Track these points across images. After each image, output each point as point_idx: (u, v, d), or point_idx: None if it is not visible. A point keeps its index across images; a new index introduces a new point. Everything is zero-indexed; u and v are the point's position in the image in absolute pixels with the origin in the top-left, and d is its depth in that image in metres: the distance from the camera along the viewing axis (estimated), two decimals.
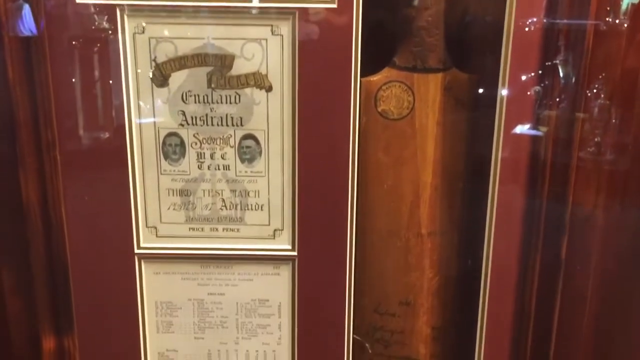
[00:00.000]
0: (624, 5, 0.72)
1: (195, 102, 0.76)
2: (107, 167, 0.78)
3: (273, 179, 0.79)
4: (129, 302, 0.82)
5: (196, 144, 0.78)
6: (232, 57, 0.75)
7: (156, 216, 0.80)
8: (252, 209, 0.80)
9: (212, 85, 0.76)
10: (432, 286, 0.86)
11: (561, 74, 0.74)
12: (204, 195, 0.80)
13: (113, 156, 0.78)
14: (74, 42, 0.75)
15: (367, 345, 0.87)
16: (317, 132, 0.77)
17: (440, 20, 0.79)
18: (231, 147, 0.78)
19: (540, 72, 0.75)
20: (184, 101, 0.76)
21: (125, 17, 0.73)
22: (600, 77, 0.73)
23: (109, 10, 0.73)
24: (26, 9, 0.73)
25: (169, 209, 0.80)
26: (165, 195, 0.80)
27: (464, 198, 0.85)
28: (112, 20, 0.73)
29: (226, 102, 0.76)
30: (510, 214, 0.79)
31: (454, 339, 0.90)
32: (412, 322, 0.87)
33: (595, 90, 0.74)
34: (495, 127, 0.76)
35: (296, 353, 0.84)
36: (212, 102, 0.76)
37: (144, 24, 0.74)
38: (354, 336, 0.83)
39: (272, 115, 0.77)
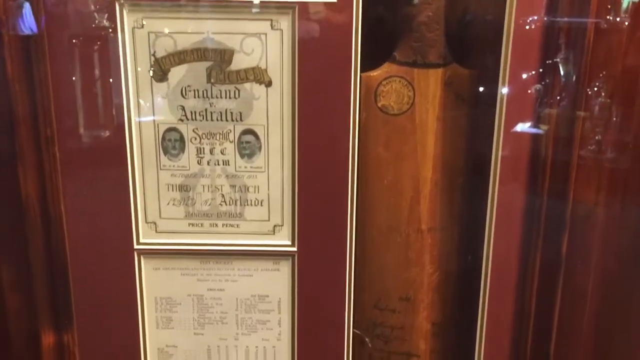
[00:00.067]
0: (624, 3, 0.72)
1: (195, 97, 0.76)
2: (106, 162, 0.78)
3: (273, 175, 0.79)
4: (128, 298, 0.82)
5: (196, 139, 0.78)
6: (231, 52, 0.75)
7: (156, 212, 0.80)
8: (251, 205, 0.80)
9: (212, 80, 0.76)
10: (432, 282, 0.86)
11: (562, 72, 0.74)
12: (203, 190, 0.80)
13: (112, 152, 0.78)
14: (73, 38, 0.74)
15: (366, 339, 0.87)
16: (317, 127, 0.77)
17: (441, 16, 0.79)
18: (231, 142, 0.78)
19: (540, 70, 0.75)
20: (183, 96, 0.76)
21: (125, 11, 0.73)
22: (600, 75, 0.73)
23: (109, 5, 0.73)
24: (26, 7, 0.73)
25: (168, 204, 0.80)
26: (164, 190, 0.79)
27: (464, 193, 0.85)
28: (112, 15, 0.73)
29: (226, 97, 0.76)
30: (510, 213, 0.79)
31: (454, 335, 0.90)
32: (412, 317, 0.87)
33: (595, 89, 0.74)
34: (496, 125, 0.76)
35: (296, 349, 0.84)
36: (212, 97, 0.76)
37: (143, 19, 0.74)
38: (354, 330, 0.83)
39: (272, 110, 0.77)
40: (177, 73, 0.75)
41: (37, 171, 0.77)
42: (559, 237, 0.79)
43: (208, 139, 0.78)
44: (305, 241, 0.81)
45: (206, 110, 0.77)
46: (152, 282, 0.82)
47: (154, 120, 0.77)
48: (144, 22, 0.74)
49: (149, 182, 0.79)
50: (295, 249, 0.81)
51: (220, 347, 0.85)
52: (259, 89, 0.76)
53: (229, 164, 0.79)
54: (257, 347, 0.85)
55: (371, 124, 0.81)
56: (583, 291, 0.80)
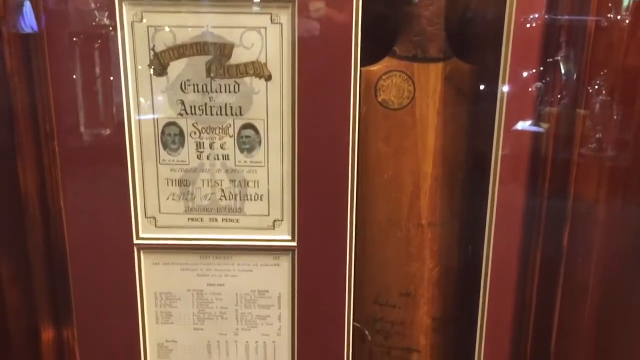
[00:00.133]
0: (625, 2, 0.72)
1: (194, 92, 0.76)
2: (106, 157, 0.78)
3: (272, 169, 0.79)
4: (128, 293, 0.82)
5: (195, 133, 0.78)
6: (231, 46, 0.74)
7: (155, 206, 0.80)
8: (251, 199, 0.80)
9: (211, 74, 0.75)
10: (433, 277, 0.86)
11: (562, 70, 0.74)
12: (203, 185, 0.79)
13: (111, 146, 0.78)
14: (72, 33, 0.74)
15: (366, 332, 0.87)
16: (317, 121, 0.77)
17: (441, 10, 0.78)
18: (230, 136, 0.78)
19: (541, 68, 0.75)
20: (182, 90, 0.76)
21: (124, 5, 0.73)
22: (601, 73, 0.73)
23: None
24: (27, 5, 0.72)
25: (168, 199, 0.80)
26: (164, 185, 0.79)
27: (464, 188, 0.84)
28: (111, 9, 0.73)
29: (225, 92, 0.76)
30: (511, 211, 0.79)
31: (455, 330, 0.89)
32: (412, 313, 0.87)
33: (596, 87, 0.73)
34: (496, 123, 0.76)
35: (296, 344, 0.84)
36: (211, 92, 0.76)
37: (142, 13, 0.73)
38: (354, 323, 0.83)
39: (272, 104, 0.76)
40: (176, 67, 0.75)
41: (36, 166, 0.77)
42: (559, 235, 0.79)
43: (208, 133, 0.77)
44: (305, 236, 0.80)
45: (206, 104, 0.76)
46: (151, 277, 0.82)
47: (153, 115, 0.77)
48: (144, 16, 0.73)
49: (148, 177, 0.79)
50: (295, 243, 0.81)
51: (220, 342, 0.85)
52: (258, 83, 0.76)
53: (228, 159, 0.78)
54: (257, 342, 0.85)
55: (371, 119, 0.81)
56: (584, 288, 0.80)
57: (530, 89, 0.75)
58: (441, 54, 0.79)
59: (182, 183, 0.79)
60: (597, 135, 0.75)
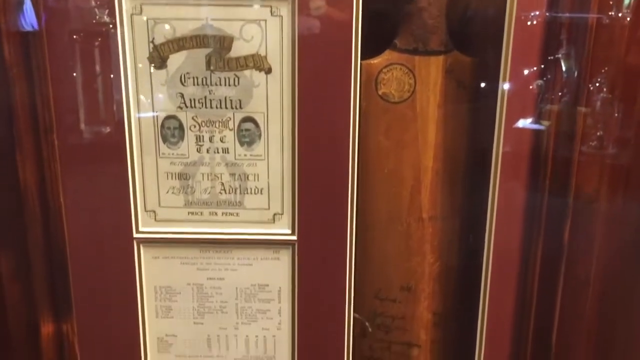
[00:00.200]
0: None
1: (194, 85, 0.76)
2: (105, 151, 0.78)
3: (273, 163, 0.78)
4: (127, 287, 0.82)
5: (195, 127, 0.77)
6: (231, 39, 0.74)
7: (155, 200, 0.80)
8: (251, 193, 0.79)
9: (211, 67, 0.75)
10: (434, 271, 0.86)
11: (563, 68, 0.74)
12: (203, 179, 0.79)
13: (111, 140, 0.77)
14: (71, 25, 0.74)
15: (367, 324, 0.87)
16: (317, 115, 0.76)
17: (442, 2, 0.78)
18: (230, 130, 0.77)
19: (542, 66, 0.74)
20: (182, 83, 0.76)
21: None
22: (602, 71, 0.73)
23: None
24: (27, 3, 0.72)
25: (167, 192, 0.80)
26: (164, 179, 0.79)
27: (465, 182, 0.84)
28: (110, 1, 0.72)
29: (225, 85, 0.76)
30: (511, 209, 0.79)
31: (455, 325, 0.89)
32: (413, 307, 0.87)
33: (597, 84, 0.73)
34: (497, 121, 0.76)
35: (296, 338, 0.84)
36: (211, 85, 0.76)
37: (142, 5, 0.73)
38: (354, 315, 0.83)
39: (272, 97, 0.76)
40: (176, 60, 0.75)
41: (35, 160, 0.77)
42: (560, 232, 0.78)
43: (207, 126, 0.77)
44: (306, 230, 0.80)
45: (205, 97, 0.76)
46: (151, 271, 0.82)
47: (152, 108, 0.76)
48: (143, 9, 0.73)
49: (148, 171, 0.79)
50: (295, 237, 0.80)
51: (220, 337, 0.85)
52: (258, 76, 0.75)
53: (228, 152, 0.78)
54: (257, 336, 0.85)
55: (372, 112, 0.80)
56: (585, 284, 0.80)
57: (531, 87, 0.75)
58: (442, 47, 0.79)
59: (182, 177, 0.79)
60: (598, 133, 0.75)
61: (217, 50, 0.74)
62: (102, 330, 0.83)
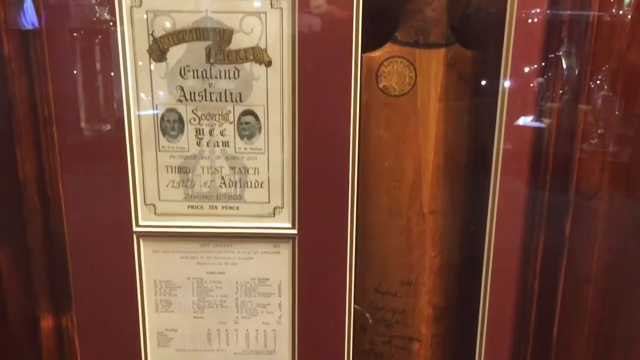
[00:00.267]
0: None
1: (194, 78, 0.75)
2: (105, 144, 0.78)
3: (273, 156, 0.78)
4: (127, 281, 0.82)
5: (195, 120, 0.77)
6: (230, 31, 0.74)
7: (155, 194, 0.80)
8: (251, 187, 0.79)
9: (211, 60, 0.75)
10: (434, 265, 0.85)
11: (564, 66, 0.73)
12: (203, 172, 0.79)
13: (110, 133, 0.77)
14: (70, 17, 0.74)
15: (367, 315, 0.87)
16: (318, 108, 0.76)
17: None
18: (230, 123, 0.77)
19: (543, 63, 0.74)
20: (182, 76, 0.75)
21: None
22: (603, 68, 0.73)
23: None
24: (27, 2, 0.72)
25: (167, 186, 0.79)
26: (163, 172, 0.79)
27: (466, 176, 0.84)
28: None
29: (225, 77, 0.75)
30: (512, 207, 0.79)
31: (456, 319, 0.89)
32: (413, 301, 0.86)
33: (598, 82, 0.73)
34: (498, 118, 0.76)
35: (296, 332, 0.84)
36: (211, 77, 0.75)
37: None
38: (355, 306, 0.82)
39: (272, 90, 0.76)
40: (175, 53, 0.75)
41: (34, 152, 0.76)
42: (561, 230, 0.78)
43: (207, 119, 0.77)
44: (306, 224, 0.80)
45: (205, 90, 0.76)
46: (151, 265, 0.82)
47: (152, 101, 0.76)
48: (142, 1, 0.73)
49: (147, 164, 0.78)
50: (295, 231, 0.80)
51: (220, 331, 0.85)
52: (258, 69, 0.75)
53: (228, 145, 0.78)
54: (257, 330, 0.85)
55: (372, 106, 0.80)
56: (586, 278, 0.80)
57: (532, 85, 0.75)
58: (443, 39, 0.79)
59: (181, 170, 0.79)
60: (599, 131, 0.75)
61: (217, 43, 0.74)
62: (101, 324, 0.83)
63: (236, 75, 0.75)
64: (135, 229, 0.80)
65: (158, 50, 0.74)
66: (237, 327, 0.85)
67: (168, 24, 0.73)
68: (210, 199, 0.80)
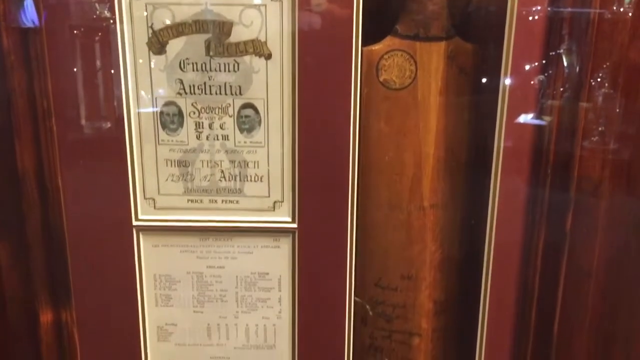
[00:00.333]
0: None
1: (194, 70, 0.75)
2: (104, 137, 0.77)
3: (273, 150, 0.78)
4: (127, 275, 0.81)
5: (194, 113, 0.77)
6: (230, 24, 0.73)
7: (154, 187, 0.79)
8: (251, 180, 0.79)
9: (211, 53, 0.74)
10: (435, 260, 0.85)
11: (565, 63, 0.73)
12: (202, 166, 0.78)
13: (110, 127, 0.77)
14: (69, 11, 0.73)
15: (367, 307, 0.86)
16: (318, 101, 0.76)
17: None
18: (230, 116, 0.77)
19: (544, 61, 0.74)
20: (181, 69, 0.75)
21: None
22: (604, 66, 0.73)
23: None
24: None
25: (167, 180, 0.79)
26: (163, 166, 0.78)
27: (467, 170, 0.84)
28: None
29: (225, 71, 0.75)
30: (513, 204, 0.78)
31: (457, 314, 0.89)
32: (414, 296, 0.86)
33: (599, 80, 0.73)
34: (498, 116, 0.75)
35: (296, 327, 0.84)
36: (211, 70, 0.75)
37: None
38: (355, 298, 0.82)
39: (272, 83, 0.75)
40: (175, 46, 0.74)
41: (33, 145, 0.76)
42: (561, 228, 0.78)
43: (207, 113, 0.77)
44: (306, 218, 0.80)
45: (205, 83, 0.76)
46: (151, 259, 0.82)
47: (152, 94, 0.76)
48: None
49: (147, 158, 0.78)
50: (295, 225, 0.80)
51: (220, 325, 0.84)
52: (258, 62, 0.75)
53: (228, 139, 0.77)
54: (257, 325, 0.84)
55: (372, 99, 0.80)
56: (587, 274, 0.80)
57: (532, 82, 0.75)
58: (443, 33, 0.78)
59: (181, 164, 0.78)
60: (600, 129, 0.75)
61: (217, 36, 0.74)
62: (101, 319, 0.83)
63: (236, 68, 0.75)
64: (134, 223, 0.80)
65: (157, 43, 0.74)
66: (237, 322, 0.84)
67: (167, 17, 0.73)
68: (210, 192, 0.79)
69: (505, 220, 0.79)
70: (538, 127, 0.76)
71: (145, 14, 0.73)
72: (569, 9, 0.73)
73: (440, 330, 0.88)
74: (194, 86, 0.76)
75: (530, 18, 0.73)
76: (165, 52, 0.74)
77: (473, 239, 0.85)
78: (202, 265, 0.82)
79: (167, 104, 0.76)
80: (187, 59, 0.75)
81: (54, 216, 0.79)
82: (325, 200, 0.79)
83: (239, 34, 0.74)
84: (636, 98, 0.74)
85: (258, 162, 0.78)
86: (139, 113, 0.76)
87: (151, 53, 0.75)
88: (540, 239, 0.79)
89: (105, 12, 0.73)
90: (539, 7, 0.73)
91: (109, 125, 0.77)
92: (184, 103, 0.76)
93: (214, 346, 0.85)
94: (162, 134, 0.77)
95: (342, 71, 0.75)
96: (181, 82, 0.75)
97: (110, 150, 0.77)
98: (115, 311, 0.83)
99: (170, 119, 0.77)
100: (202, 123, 0.77)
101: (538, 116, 0.75)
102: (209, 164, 0.78)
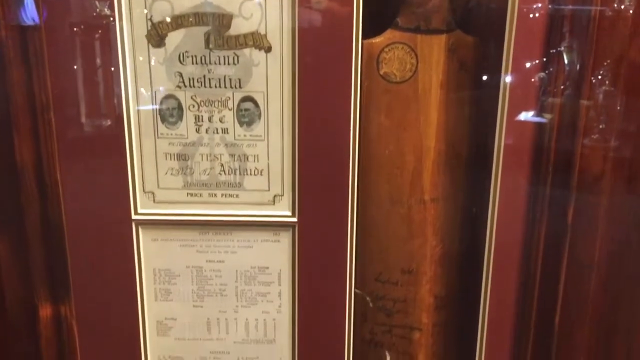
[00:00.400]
0: None
1: (193, 63, 0.75)
2: (103, 131, 0.77)
3: (273, 143, 0.77)
4: (126, 270, 0.81)
5: (194, 106, 0.76)
6: (230, 16, 0.73)
7: (153, 181, 0.79)
8: (251, 174, 0.79)
9: (210, 46, 0.74)
10: (435, 254, 0.85)
11: (566, 61, 0.73)
12: (202, 159, 0.78)
13: (109, 119, 0.76)
14: (68, 4, 0.73)
15: (368, 299, 0.86)
16: (318, 95, 0.75)
17: None
18: (230, 109, 0.76)
19: (544, 58, 0.74)
20: (181, 62, 0.75)
21: None
22: (605, 63, 0.72)
23: None
24: None
25: (166, 174, 0.79)
26: (162, 159, 0.78)
27: (467, 163, 0.83)
28: None
29: (224, 63, 0.75)
30: (514, 202, 0.78)
31: (457, 308, 0.88)
32: (414, 291, 0.86)
33: (600, 77, 0.73)
34: (499, 113, 0.75)
35: (296, 322, 0.83)
36: (210, 63, 0.75)
37: None
38: (355, 290, 0.82)
39: (272, 76, 0.75)
40: (174, 38, 0.74)
41: (32, 138, 0.76)
42: (563, 225, 0.78)
43: (206, 106, 0.76)
44: (306, 212, 0.79)
45: (204, 76, 0.75)
46: (150, 253, 0.81)
47: (151, 87, 0.75)
48: None
49: (146, 151, 0.78)
50: (295, 219, 0.79)
51: (220, 320, 0.84)
52: (258, 55, 0.74)
53: (227, 132, 0.77)
54: (257, 319, 0.84)
55: (373, 92, 0.79)
56: (588, 266, 0.79)
57: (533, 80, 0.75)
58: (444, 25, 0.78)
59: (180, 157, 0.78)
60: (601, 126, 0.74)
61: (216, 28, 0.73)
62: (100, 313, 0.82)
63: (235, 61, 0.74)
64: (134, 217, 0.79)
65: (157, 35, 0.74)
66: (237, 316, 0.84)
67: (167, 9, 0.73)
68: (210, 186, 0.79)
69: (506, 218, 0.79)
70: (539, 125, 0.76)
71: (144, 6, 0.73)
72: (570, 7, 0.73)
73: (441, 325, 0.88)
74: (193, 79, 0.75)
75: (531, 15, 0.73)
76: (164, 45, 0.74)
77: (474, 233, 0.85)
78: (201, 259, 0.82)
79: (167, 97, 0.76)
80: (186, 51, 0.74)
81: (52, 210, 0.79)
82: (326, 194, 0.79)
83: (238, 27, 0.73)
84: (637, 95, 0.74)
85: (258, 155, 0.78)
86: (138, 107, 0.76)
87: (150, 46, 0.74)
88: (541, 237, 0.79)
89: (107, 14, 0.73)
90: (539, 5, 0.72)
91: (107, 119, 0.76)
92: (184, 96, 0.76)
93: (213, 341, 0.85)
94: (162, 128, 0.77)
95: (342, 64, 0.74)
96: (180, 75, 0.75)
97: (109, 144, 0.77)
98: (114, 305, 0.82)
99: (169, 112, 0.76)
100: (202, 116, 0.76)
101: (539, 114, 0.75)
102: (208, 158, 0.78)
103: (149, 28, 0.73)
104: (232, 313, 0.84)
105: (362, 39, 0.74)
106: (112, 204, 0.79)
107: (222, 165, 0.78)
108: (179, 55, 0.74)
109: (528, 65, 0.74)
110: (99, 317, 0.82)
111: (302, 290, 0.82)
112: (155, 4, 0.72)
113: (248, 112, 0.76)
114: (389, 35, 0.78)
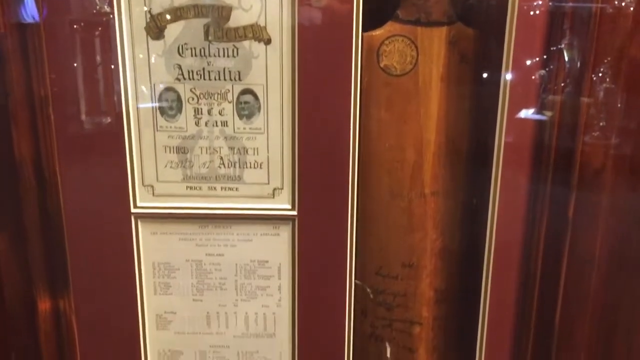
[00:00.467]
0: None
1: (192, 56, 0.74)
2: (102, 124, 0.77)
3: (272, 136, 0.77)
4: (125, 263, 0.81)
5: (193, 99, 0.76)
6: (229, 8, 0.73)
7: (153, 174, 0.79)
8: (250, 167, 0.78)
9: (209, 38, 0.74)
10: (435, 248, 0.85)
11: (566, 58, 0.73)
12: (201, 152, 0.78)
13: (108, 113, 0.76)
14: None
15: (368, 290, 0.86)
16: (318, 87, 0.75)
17: None
18: (229, 102, 0.76)
19: (545, 56, 0.74)
20: (180, 54, 0.74)
21: None
22: (605, 61, 0.72)
23: None
24: None
25: (165, 167, 0.78)
26: (161, 152, 0.78)
27: (468, 157, 0.83)
28: None
29: (224, 56, 0.74)
30: (514, 199, 0.78)
31: (457, 302, 0.88)
32: (414, 284, 0.86)
33: (600, 74, 0.73)
34: (499, 111, 0.75)
35: (296, 315, 0.83)
36: (209, 56, 0.74)
37: None
38: (355, 281, 0.82)
39: (271, 69, 0.75)
40: (173, 30, 0.74)
41: (31, 132, 0.76)
42: (563, 223, 0.78)
43: (206, 99, 0.76)
44: (306, 205, 0.79)
45: (204, 69, 0.75)
46: (149, 247, 0.81)
47: (150, 80, 0.75)
48: None
49: (145, 144, 0.77)
50: (295, 213, 0.79)
51: (220, 314, 0.84)
52: (257, 47, 0.74)
53: (227, 125, 0.77)
54: (256, 313, 0.84)
55: (373, 85, 0.79)
56: (589, 261, 0.79)
57: (533, 77, 0.74)
58: (445, 18, 0.78)
59: (180, 150, 0.78)
60: (601, 123, 0.74)
61: (216, 20, 0.73)
62: (99, 307, 0.82)
63: (235, 54, 0.74)
64: (133, 210, 0.79)
65: (156, 27, 0.73)
66: (237, 310, 0.84)
67: (166, 1, 0.72)
68: (209, 179, 0.79)
69: (506, 216, 0.78)
70: (539, 122, 0.76)
71: None
72: (570, 4, 0.73)
73: (441, 319, 0.88)
74: (192, 72, 0.75)
75: (532, 12, 0.72)
76: (163, 36, 0.74)
77: (474, 226, 0.84)
78: (201, 253, 0.82)
79: (166, 89, 0.76)
80: (185, 44, 0.74)
81: (51, 204, 0.79)
82: (325, 188, 0.78)
83: (238, 19, 0.73)
84: (637, 93, 0.74)
85: (257, 148, 0.78)
86: (137, 99, 0.75)
87: (149, 38, 0.74)
88: (541, 235, 0.79)
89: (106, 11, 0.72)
90: (540, 2, 0.72)
91: (106, 113, 0.76)
92: (183, 89, 0.75)
93: (213, 335, 0.85)
94: (161, 120, 0.77)
95: (342, 57, 0.74)
96: (180, 67, 0.75)
97: (108, 137, 0.77)
98: (113, 299, 0.82)
99: (168, 105, 0.76)
100: (201, 109, 0.76)
101: (539, 111, 0.75)
102: (208, 151, 0.78)
103: (148, 20, 0.73)
104: (231, 307, 0.84)
105: (362, 31, 0.74)
106: (111, 197, 0.78)
107: (221, 158, 0.78)
108: (178, 48, 0.74)
109: (528, 62, 0.74)
110: (98, 310, 0.82)
111: (302, 284, 0.82)
112: None
113: (248, 104, 0.76)
114: (389, 27, 0.78)
